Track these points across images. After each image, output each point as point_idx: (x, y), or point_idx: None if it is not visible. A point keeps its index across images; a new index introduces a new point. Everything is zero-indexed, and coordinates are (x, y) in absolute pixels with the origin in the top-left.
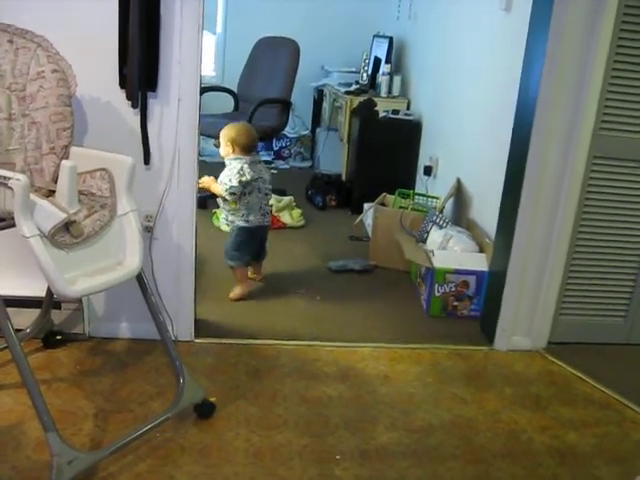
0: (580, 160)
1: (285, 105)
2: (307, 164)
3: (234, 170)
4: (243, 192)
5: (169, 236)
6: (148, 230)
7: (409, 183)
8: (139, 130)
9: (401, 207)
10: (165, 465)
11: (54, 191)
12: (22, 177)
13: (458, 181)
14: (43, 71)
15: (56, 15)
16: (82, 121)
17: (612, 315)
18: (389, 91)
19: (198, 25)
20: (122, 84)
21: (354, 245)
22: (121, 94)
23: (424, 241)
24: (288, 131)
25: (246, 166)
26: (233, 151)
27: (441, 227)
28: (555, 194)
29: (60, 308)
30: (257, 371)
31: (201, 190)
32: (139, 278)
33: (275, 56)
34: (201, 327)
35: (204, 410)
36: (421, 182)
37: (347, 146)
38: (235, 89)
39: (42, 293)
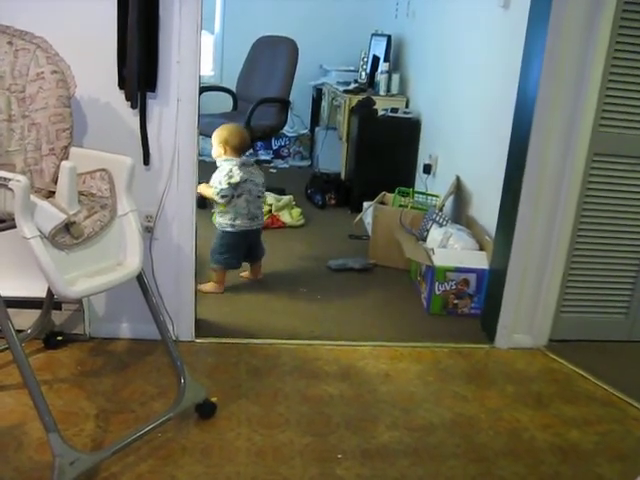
0: (580, 157)
1: (284, 104)
2: (306, 163)
3: (223, 172)
4: (233, 195)
5: (169, 236)
6: (148, 230)
7: (409, 181)
8: (138, 130)
9: (401, 205)
10: (167, 465)
11: (54, 192)
12: (22, 178)
13: (457, 179)
14: (42, 72)
15: (55, 16)
16: (82, 122)
17: (613, 312)
18: (388, 89)
19: (197, 25)
20: (121, 85)
21: (354, 244)
22: (120, 95)
23: (424, 239)
24: (287, 130)
25: (235, 168)
26: (225, 152)
27: (441, 225)
28: (555, 191)
29: (61, 309)
30: (258, 370)
31: None
32: (139, 278)
33: (274, 55)
34: (202, 327)
35: (205, 410)
36: (420, 180)
37: (346, 145)
38: (234, 89)
39: (43, 294)
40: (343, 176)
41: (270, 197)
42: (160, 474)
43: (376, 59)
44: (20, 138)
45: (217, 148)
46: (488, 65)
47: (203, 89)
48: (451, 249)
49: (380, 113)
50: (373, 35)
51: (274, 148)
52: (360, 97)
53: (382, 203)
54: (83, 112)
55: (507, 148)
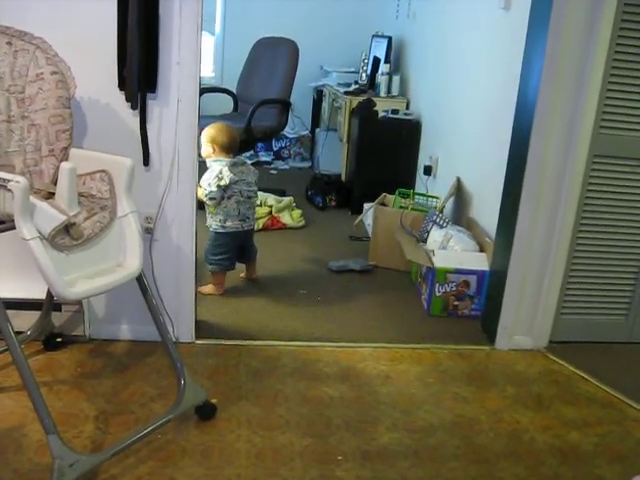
0: (580, 158)
1: (284, 105)
2: (307, 164)
3: (213, 174)
4: (223, 196)
5: (169, 237)
6: (148, 231)
7: (409, 183)
8: (138, 131)
9: (401, 207)
10: (166, 467)
11: (54, 193)
12: (22, 179)
13: (458, 180)
14: (42, 73)
15: (55, 17)
16: (81, 123)
17: (613, 314)
18: (388, 91)
19: (197, 26)
20: (121, 85)
21: (354, 245)
22: (120, 96)
23: (424, 241)
24: (287, 131)
25: (225, 169)
26: (214, 151)
27: (441, 227)
28: (556, 192)
29: (60, 310)
30: (258, 372)
31: None
32: (139, 280)
33: (274, 56)
34: (202, 328)
35: (205, 411)
36: (421, 182)
37: (347, 146)
38: (234, 90)
39: (42, 295)
40: (344, 177)
41: (270, 198)
42: (160, 476)
43: (377, 60)
44: (20, 139)
45: (205, 147)
46: (489, 66)
47: (203, 90)
48: (451, 250)
49: (381, 114)
50: (374, 36)
51: (274, 149)
52: (361, 98)
53: (382, 204)
54: (83, 113)
55: (507, 149)
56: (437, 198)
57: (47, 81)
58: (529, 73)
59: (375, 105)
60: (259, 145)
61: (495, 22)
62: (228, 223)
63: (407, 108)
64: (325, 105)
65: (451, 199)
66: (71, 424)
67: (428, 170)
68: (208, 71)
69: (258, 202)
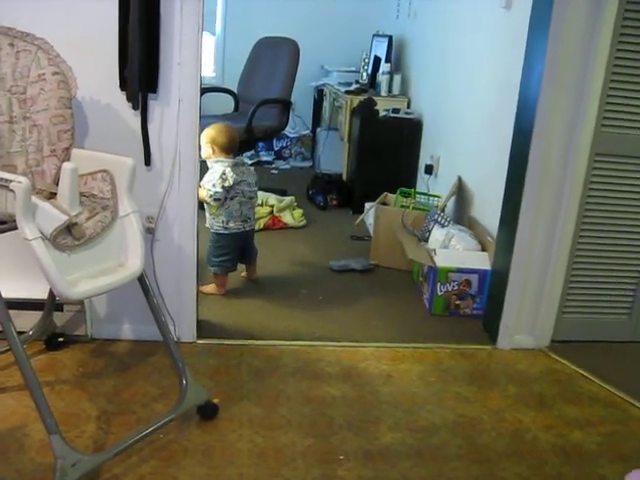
0: (582, 157)
1: (285, 105)
2: (308, 164)
3: (216, 175)
4: (225, 197)
5: (171, 237)
6: (150, 231)
7: (410, 182)
8: (140, 131)
9: (402, 206)
10: (169, 466)
11: (55, 193)
12: (24, 180)
13: (459, 179)
14: (44, 73)
15: (56, 17)
16: (83, 123)
17: (616, 312)
18: (389, 90)
19: (198, 26)
20: (122, 86)
21: (356, 245)
22: (121, 96)
23: (426, 240)
24: (288, 131)
25: (228, 170)
26: (213, 152)
27: (443, 226)
28: (557, 191)
29: (62, 310)
30: (260, 372)
31: None
32: (141, 279)
33: (275, 56)
34: (203, 328)
35: (207, 411)
36: (422, 181)
37: (348, 146)
38: (235, 90)
39: (44, 295)
40: (345, 177)
41: (272, 198)
42: (162, 475)
43: (377, 60)
44: (21, 139)
45: (205, 148)
46: (490, 65)
47: (204, 90)
48: (453, 250)
49: (382, 114)
50: (374, 36)
51: (275, 149)
52: (361, 98)
53: (384, 204)
54: (84, 113)
55: (509, 148)
56: (438, 197)
57: (49, 82)
58: (530, 72)
59: (376, 104)
60: (260, 145)
61: (496, 21)
62: (230, 224)
63: (408, 107)
64: (326, 104)
65: (452, 198)
66: (73, 424)
67: (429, 169)
68: (209, 71)
69: (259, 202)
